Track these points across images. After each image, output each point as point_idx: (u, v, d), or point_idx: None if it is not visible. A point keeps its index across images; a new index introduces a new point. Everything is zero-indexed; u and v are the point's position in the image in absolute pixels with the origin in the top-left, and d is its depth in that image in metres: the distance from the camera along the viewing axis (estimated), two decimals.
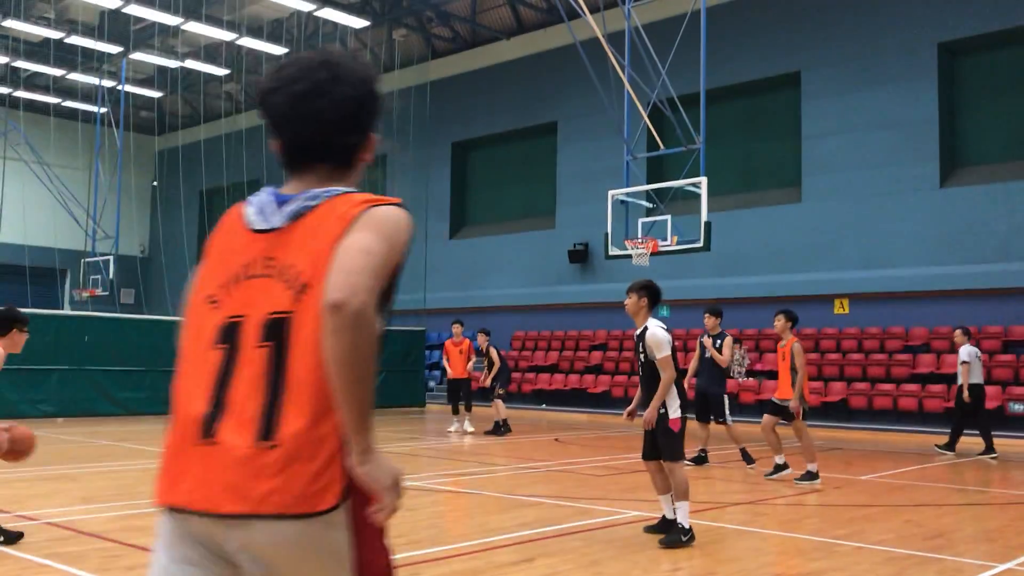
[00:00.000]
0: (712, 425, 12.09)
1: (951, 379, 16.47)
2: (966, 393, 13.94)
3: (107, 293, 29.57)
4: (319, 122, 2.03)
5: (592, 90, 20.10)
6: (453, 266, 27.50)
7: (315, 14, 25.53)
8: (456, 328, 16.83)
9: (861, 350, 19.73)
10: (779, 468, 10.75)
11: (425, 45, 29.26)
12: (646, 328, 7.17)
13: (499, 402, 16.82)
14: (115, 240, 29.34)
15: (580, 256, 24.53)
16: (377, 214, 1.95)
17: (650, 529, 7.29)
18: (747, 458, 11.70)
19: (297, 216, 1.99)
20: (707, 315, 12.04)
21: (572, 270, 24.91)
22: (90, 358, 19.36)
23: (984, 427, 14.28)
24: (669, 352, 7.05)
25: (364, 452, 1.83)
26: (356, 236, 1.88)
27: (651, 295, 7.20)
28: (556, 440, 16.26)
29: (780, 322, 10.66)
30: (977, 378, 14.13)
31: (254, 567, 1.91)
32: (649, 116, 18.18)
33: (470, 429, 16.83)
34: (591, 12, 18.73)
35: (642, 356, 7.21)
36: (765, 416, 10.78)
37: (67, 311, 26.77)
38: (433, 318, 26.24)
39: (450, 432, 16.91)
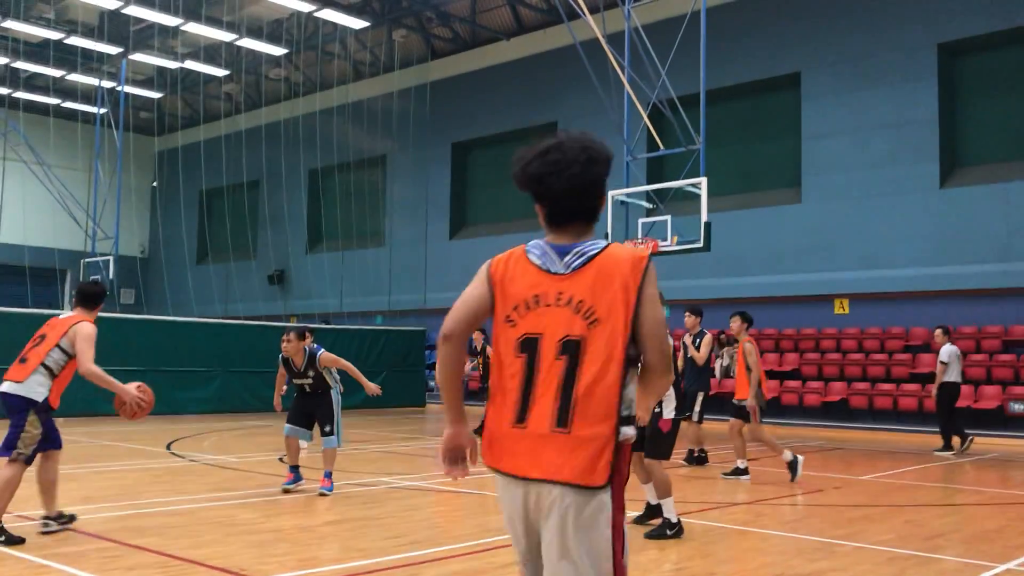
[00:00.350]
0: (705, 424, 12.18)
1: None
2: (934, 391, 14.19)
3: (107, 293, 29.54)
4: (581, 196, 2.80)
5: (592, 90, 20.10)
6: (453, 266, 27.44)
7: (315, 15, 25.51)
8: None
9: (861, 350, 19.72)
10: (738, 471, 10.81)
11: (425, 45, 29.26)
12: None
13: None
14: (115, 240, 29.32)
15: None
16: (652, 276, 2.72)
17: (639, 521, 7.38)
18: (695, 460, 12.05)
19: (577, 267, 2.74)
20: (688, 314, 12.07)
21: None
22: None
23: (957, 425, 14.47)
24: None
25: (649, 408, 2.90)
26: (655, 310, 2.69)
27: None
28: None
29: (736, 323, 10.77)
30: (954, 377, 14.31)
31: (546, 535, 2.63)
32: (649, 116, 18.17)
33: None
34: (591, 12, 18.73)
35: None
36: (731, 420, 10.86)
37: (67, 311, 26.75)
38: (433, 318, 26.20)
39: None
